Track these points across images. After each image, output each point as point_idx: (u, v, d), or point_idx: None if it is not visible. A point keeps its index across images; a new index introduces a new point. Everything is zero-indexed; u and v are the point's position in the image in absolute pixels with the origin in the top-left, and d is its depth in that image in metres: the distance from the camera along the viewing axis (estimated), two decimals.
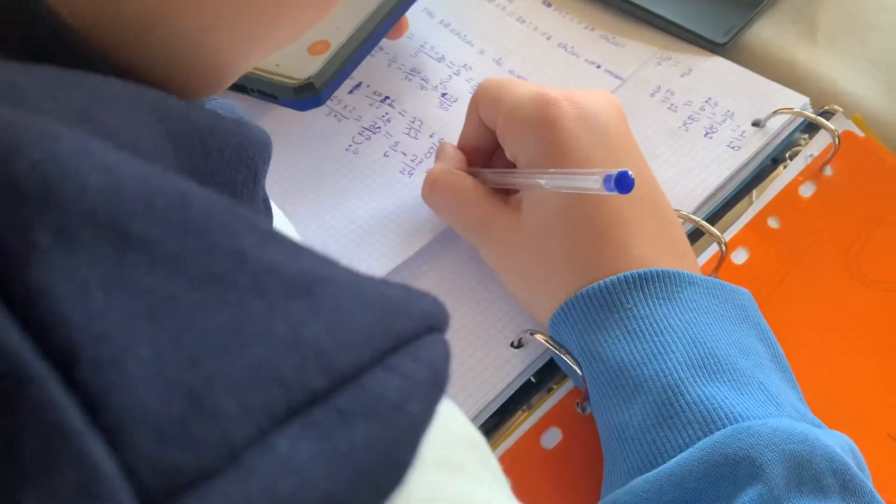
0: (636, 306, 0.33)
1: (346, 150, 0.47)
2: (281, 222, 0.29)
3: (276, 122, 0.49)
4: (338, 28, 0.43)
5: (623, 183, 0.28)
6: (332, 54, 0.42)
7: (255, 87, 0.43)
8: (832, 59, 0.50)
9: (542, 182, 0.35)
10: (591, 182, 0.30)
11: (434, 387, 0.15)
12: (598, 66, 0.50)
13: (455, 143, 0.43)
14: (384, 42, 0.51)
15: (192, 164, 0.18)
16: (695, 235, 0.42)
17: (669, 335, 0.32)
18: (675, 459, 0.30)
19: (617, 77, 0.49)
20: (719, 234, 0.40)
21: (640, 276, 0.34)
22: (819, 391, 0.38)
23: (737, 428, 0.29)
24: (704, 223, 0.40)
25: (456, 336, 0.40)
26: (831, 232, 0.43)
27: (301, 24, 0.23)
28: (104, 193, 0.13)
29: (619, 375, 0.33)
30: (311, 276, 0.15)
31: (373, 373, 0.14)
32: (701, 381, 0.31)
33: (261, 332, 0.13)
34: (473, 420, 0.38)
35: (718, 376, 0.31)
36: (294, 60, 0.43)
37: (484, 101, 0.40)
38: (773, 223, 0.43)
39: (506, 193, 0.40)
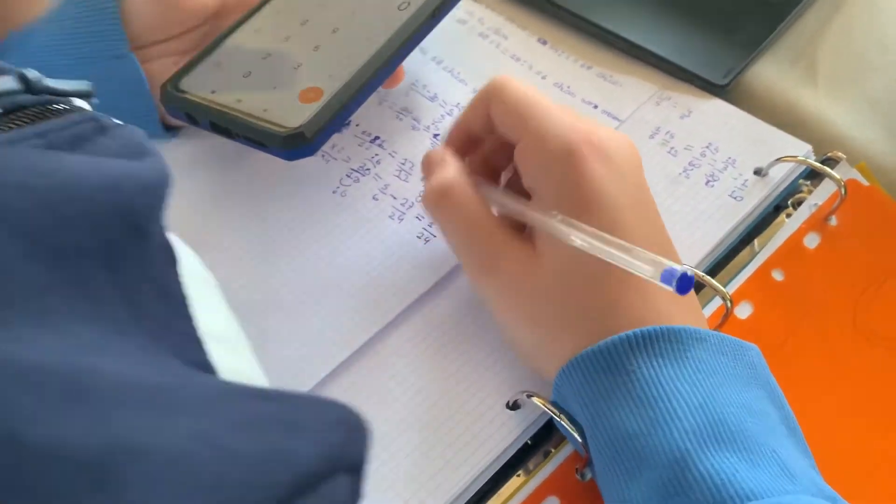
0: (640, 368, 0.31)
1: (334, 192, 0.45)
2: (192, 266, 0.27)
3: (261, 162, 0.47)
4: (331, 76, 0.41)
5: (684, 284, 0.27)
6: (325, 103, 0.40)
7: (242, 133, 0.41)
8: (833, 101, 0.49)
9: (576, 241, 0.32)
10: (644, 271, 0.29)
11: None
12: (596, 107, 0.49)
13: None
14: None
15: (45, 240, 0.16)
16: (696, 287, 0.41)
17: (676, 400, 0.30)
18: None
19: (615, 118, 0.48)
20: (724, 290, 0.38)
21: (644, 334, 0.32)
22: (828, 454, 0.37)
23: None
24: (709, 278, 0.39)
25: (447, 395, 0.38)
26: (838, 286, 0.41)
27: None
28: None
29: (623, 446, 0.31)
30: (111, 450, 0.11)
31: None
32: (710, 451, 0.29)
33: None
34: (466, 489, 0.36)
35: (729, 446, 0.29)
36: (284, 107, 0.40)
37: (503, 108, 0.36)
38: (777, 276, 0.42)
39: (516, 222, 0.37)
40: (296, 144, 0.39)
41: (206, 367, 0.22)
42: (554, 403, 0.35)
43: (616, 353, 0.32)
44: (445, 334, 0.40)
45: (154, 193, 0.21)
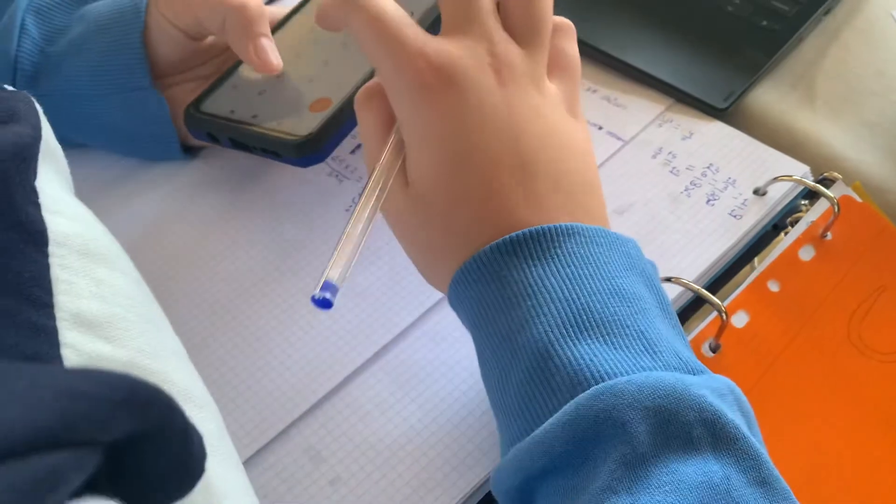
0: (511, 272, 0.32)
1: (346, 210, 0.47)
2: (86, 239, 0.25)
3: (277, 182, 0.49)
4: (339, 85, 0.43)
5: (320, 303, 0.29)
6: (334, 111, 0.42)
7: (258, 145, 0.43)
8: (831, 124, 0.51)
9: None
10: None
11: None
12: (601, 128, 0.50)
13: None
14: None
15: None
16: (697, 303, 0.42)
17: (543, 296, 0.31)
18: (543, 426, 0.29)
19: (619, 138, 0.50)
20: (719, 302, 0.40)
21: (511, 239, 0.32)
22: (820, 464, 0.38)
23: (599, 388, 0.28)
24: (704, 291, 0.40)
25: (452, 408, 0.39)
26: (833, 298, 0.43)
27: None
28: None
29: (498, 346, 0.32)
30: None
31: None
32: (572, 340, 0.30)
33: None
34: None
35: (592, 332, 0.30)
36: (296, 118, 0.43)
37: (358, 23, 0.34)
38: (773, 286, 0.43)
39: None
40: (307, 151, 0.41)
41: (46, 359, 0.21)
42: None
43: (487, 263, 0.32)
44: (451, 346, 0.42)
45: (19, 154, 0.20)
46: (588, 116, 0.51)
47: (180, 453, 0.18)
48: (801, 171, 0.47)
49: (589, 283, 0.31)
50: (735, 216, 0.45)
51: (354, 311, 0.43)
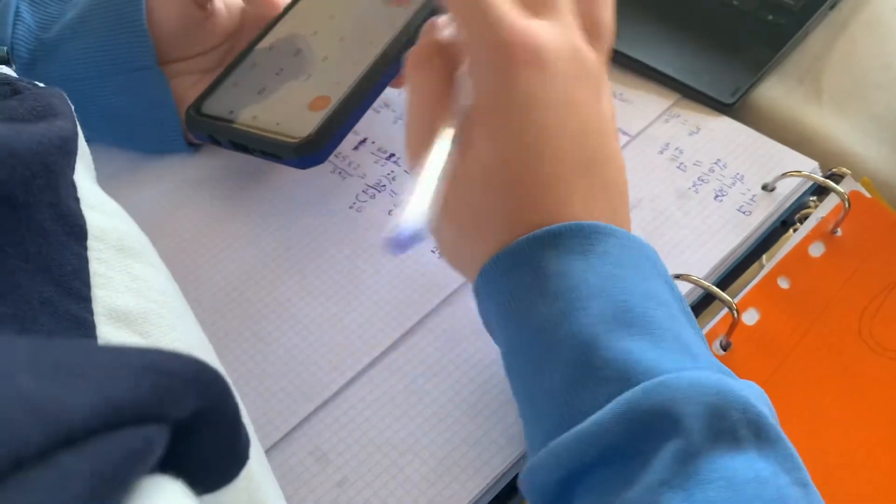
0: (549, 264, 0.32)
1: (350, 207, 0.46)
2: (123, 235, 0.25)
3: (280, 179, 0.48)
4: (337, 82, 0.42)
5: (397, 244, 0.27)
6: (333, 109, 0.41)
7: (258, 147, 0.42)
8: (838, 118, 0.50)
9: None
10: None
11: None
12: None
13: None
14: (390, 98, 0.51)
15: None
16: (707, 300, 0.42)
17: (585, 289, 0.31)
18: (592, 418, 0.28)
19: (625, 133, 0.49)
20: (730, 299, 0.39)
21: (552, 231, 0.32)
22: (831, 461, 0.38)
23: (654, 382, 0.28)
24: (715, 288, 0.40)
25: (460, 406, 0.39)
26: (843, 295, 0.42)
27: None
28: None
29: (533, 339, 0.32)
30: None
31: None
32: (617, 335, 0.30)
33: None
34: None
35: (635, 329, 0.30)
36: (295, 118, 0.42)
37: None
38: (783, 283, 0.43)
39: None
40: (306, 152, 0.40)
41: None
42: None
43: (527, 252, 0.32)
44: (459, 345, 0.41)
45: (35, 161, 0.20)
46: None
47: (230, 437, 0.19)
48: (809, 167, 0.46)
49: (626, 284, 0.31)
50: (744, 212, 0.44)
51: (359, 310, 0.42)
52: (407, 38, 0.43)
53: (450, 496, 0.36)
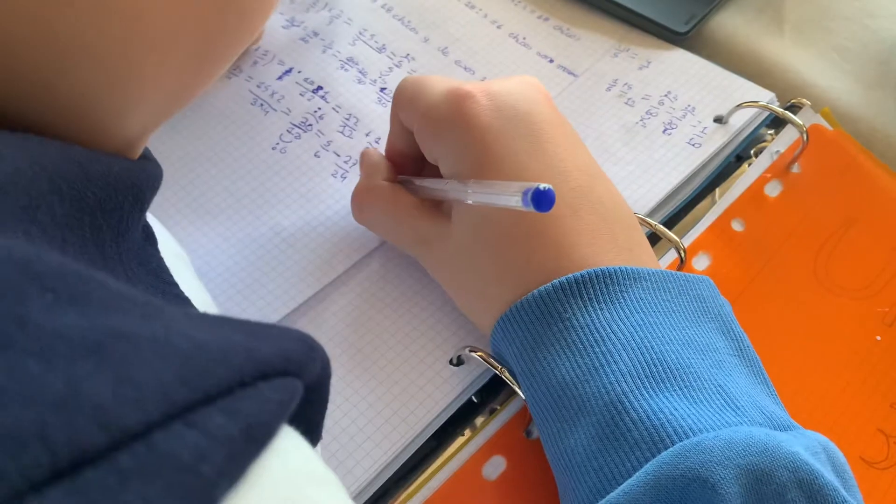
0: (575, 315, 0.29)
1: (273, 148, 0.43)
2: (163, 238, 0.27)
3: (200, 115, 0.44)
4: None
5: (540, 199, 0.24)
6: None
7: None
8: (799, 49, 0.47)
9: (468, 198, 0.30)
10: (511, 200, 0.26)
11: (247, 442, 0.14)
12: (551, 61, 0.46)
13: (382, 149, 0.39)
14: (320, 26, 0.47)
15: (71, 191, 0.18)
16: (652, 240, 0.39)
17: (612, 343, 0.29)
18: (621, 487, 0.26)
19: (571, 73, 0.46)
20: (677, 239, 0.36)
21: (576, 279, 0.30)
22: (790, 400, 0.35)
23: (685, 445, 0.25)
24: (661, 227, 0.37)
25: (389, 352, 0.36)
26: (799, 235, 0.39)
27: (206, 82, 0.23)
28: None
29: (561, 394, 0.29)
30: (106, 334, 0.14)
31: (170, 429, 0.13)
32: (648, 392, 0.27)
33: (29, 392, 0.12)
34: (408, 446, 0.34)
35: (668, 385, 0.28)
36: None
37: (401, 103, 0.35)
38: (737, 225, 0.40)
39: (440, 202, 0.36)
40: None
41: None
42: (495, 358, 0.33)
43: (548, 302, 0.30)
44: (388, 294, 0.38)
45: (154, 182, 0.22)
46: (538, 48, 0.47)
47: (321, 412, 0.19)
48: (766, 98, 0.43)
49: (660, 332, 0.29)
50: (694, 144, 0.41)
51: (278, 264, 0.39)
52: None
53: (366, 452, 0.33)
